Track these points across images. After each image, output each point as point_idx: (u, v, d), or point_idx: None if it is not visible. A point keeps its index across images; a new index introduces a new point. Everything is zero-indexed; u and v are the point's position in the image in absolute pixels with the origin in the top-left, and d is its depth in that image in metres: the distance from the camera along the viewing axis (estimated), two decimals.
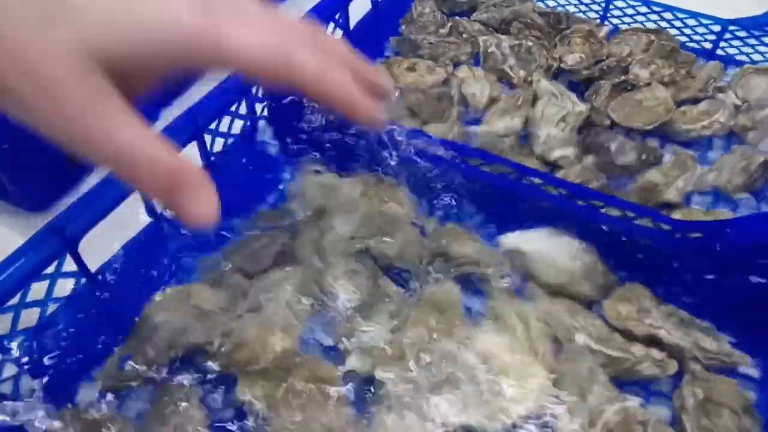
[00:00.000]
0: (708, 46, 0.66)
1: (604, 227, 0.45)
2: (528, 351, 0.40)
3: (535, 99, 0.59)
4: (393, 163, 0.51)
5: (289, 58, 0.27)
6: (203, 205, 0.25)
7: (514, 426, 0.37)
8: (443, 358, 0.39)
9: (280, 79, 0.27)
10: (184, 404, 0.38)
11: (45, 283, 0.37)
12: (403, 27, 0.70)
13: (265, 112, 0.53)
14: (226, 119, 0.48)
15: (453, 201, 0.51)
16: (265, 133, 0.54)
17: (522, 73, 0.62)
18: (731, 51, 0.66)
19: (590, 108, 0.57)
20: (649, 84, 0.60)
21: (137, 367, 0.39)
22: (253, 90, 0.50)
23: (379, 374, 0.39)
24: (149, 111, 0.64)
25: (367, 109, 0.30)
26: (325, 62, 0.28)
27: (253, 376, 0.39)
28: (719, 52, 0.66)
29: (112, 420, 0.37)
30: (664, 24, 0.67)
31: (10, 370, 0.36)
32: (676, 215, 0.50)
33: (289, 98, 0.52)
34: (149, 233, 0.44)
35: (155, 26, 0.24)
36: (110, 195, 0.39)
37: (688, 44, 0.67)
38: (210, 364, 0.40)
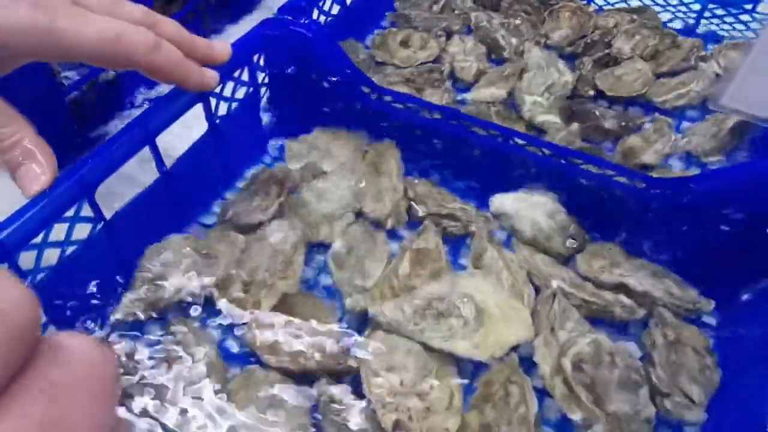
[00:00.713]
0: (690, 22, 0.69)
1: (583, 181, 0.48)
2: (511, 292, 0.44)
3: (522, 71, 0.62)
4: (384, 124, 0.55)
5: (121, 44, 0.33)
6: None
7: (496, 357, 0.40)
8: (432, 298, 0.43)
9: (117, 63, 0.34)
10: (191, 339, 0.41)
11: (64, 227, 0.40)
12: (398, 3, 0.73)
13: (266, 80, 0.56)
14: (230, 84, 0.51)
15: (442, 163, 0.54)
16: (265, 99, 0.57)
17: (514, 41, 0.65)
18: (711, 28, 0.69)
19: (576, 78, 0.61)
20: (630, 58, 0.63)
21: (145, 306, 0.43)
22: (255, 58, 0.53)
23: (372, 311, 0.42)
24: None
25: (196, 78, 0.38)
26: (153, 42, 0.34)
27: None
28: (699, 30, 0.69)
29: (123, 352, 0.40)
30: (647, 1, 0.70)
31: None
32: (653, 175, 0.53)
33: (288, 67, 0.55)
34: (159, 186, 0.47)
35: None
36: (125, 148, 0.42)
37: (669, 24, 0.70)
38: (217, 305, 0.43)
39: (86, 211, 0.41)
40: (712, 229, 0.45)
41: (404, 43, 0.66)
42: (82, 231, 0.42)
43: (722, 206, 0.43)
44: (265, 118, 0.59)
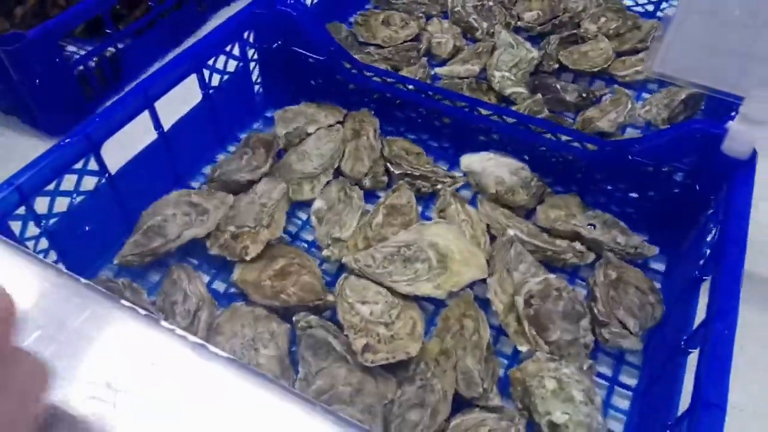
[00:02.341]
0: (651, 8, 0.74)
1: (541, 148, 0.53)
2: (471, 240, 0.49)
3: (493, 50, 0.67)
4: (364, 97, 0.60)
5: None
6: None
7: (453, 293, 0.45)
8: (401, 245, 0.48)
9: None
10: (187, 279, 0.47)
11: (74, 178, 0.45)
12: None
13: (256, 56, 0.61)
14: (222, 58, 0.56)
15: (417, 129, 0.60)
16: (254, 74, 0.62)
17: (485, 24, 0.70)
18: (671, 12, 0.74)
19: (542, 55, 0.66)
20: (595, 37, 0.68)
21: (144, 252, 0.48)
22: (245, 35, 0.58)
23: (346, 259, 0.47)
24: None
25: None
26: None
27: (245, 263, 0.48)
28: (660, 14, 0.74)
29: (129, 285, 0.45)
30: None
31: (42, 244, 0.45)
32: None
33: (275, 43, 0.60)
34: (158, 146, 0.52)
35: None
36: (129, 108, 0.47)
37: (633, 8, 0.75)
38: (209, 251, 0.49)
39: (93, 165, 0.46)
40: (654, 185, 0.50)
41: (386, 23, 0.71)
42: (89, 183, 0.47)
43: (660, 163, 0.49)
44: (256, 89, 0.64)
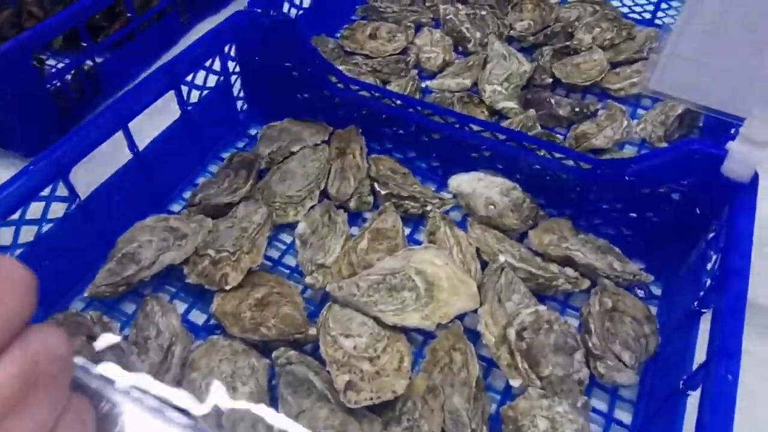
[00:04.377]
0: (647, 16, 0.72)
1: (534, 165, 0.51)
2: (460, 267, 0.47)
3: (485, 63, 0.65)
4: (351, 112, 0.58)
5: None
6: None
7: (441, 325, 0.43)
8: (387, 272, 0.45)
9: None
10: (161, 312, 0.44)
11: (41, 205, 0.43)
12: None
13: (238, 69, 0.59)
14: (202, 73, 0.54)
15: (405, 146, 0.57)
16: (236, 88, 0.60)
17: (478, 34, 0.68)
18: (668, 21, 0.72)
19: (534, 68, 0.64)
20: (590, 48, 0.66)
21: (118, 281, 0.46)
22: (226, 49, 0.56)
23: (329, 287, 0.45)
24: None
25: None
26: None
27: (225, 293, 0.46)
28: (657, 21, 0.72)
29: (100, 319, 0.43)
30: None
31: None
32: (605, 156, 0.56)
33: (258, 57, 0.58)
34: (133, 167, 0.50)
35: None
36: (100, 130, 0.45)
37: (629, 15, 0.73)
38: (187, 279, 0.46)
39: (62, 191, 0.44)
40: (651, 206, 0.48)
41: (373, 36, 0.69)
42: (59, 209, 0.44)
43: (658, 184, 0.47)
44: (239, 105, 0.61)
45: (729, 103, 0.40)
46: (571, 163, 0.50)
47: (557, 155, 0.50)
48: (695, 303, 0.40)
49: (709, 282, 0.40)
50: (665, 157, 0.45)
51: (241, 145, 0.60)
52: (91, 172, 0.47)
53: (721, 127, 0.51)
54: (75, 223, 0.46)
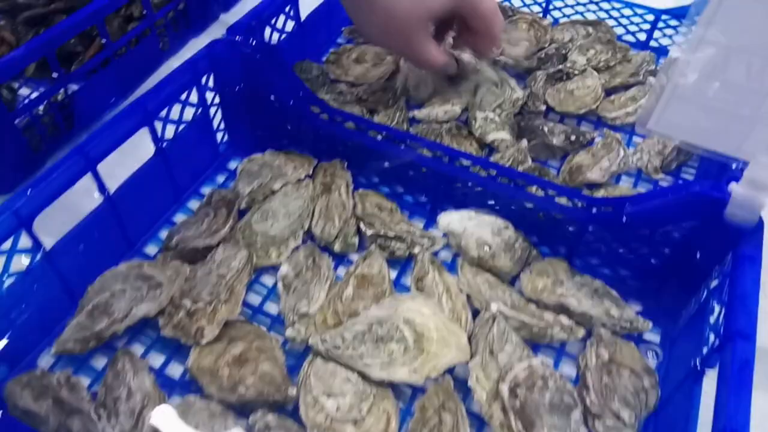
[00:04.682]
0: (642, 37, 0.70)
1: (528, 205, 0.49)
2: (450, 316, 0.44)
3: (476, 89, 0.62)
4: (335, 144, 0.55)
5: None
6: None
7: (431, 378, 0.41)
8: (373, 322, 0.43)
9: None
10: (133, 370, 0.42)
11: (2, 259, 0.40)
12: None
13: (217, 100, 0.56)
14: (177, 107, 0.52)
15: (392, 180, 0.55)
16: (216, 120, 0.57)
17: (466, 57, 0.65)
18: (664, 42, 0.70)
19: (527, 94, 0.61)
20: (584, 71, 0.64)
21: (88, 336, 0.43)
22: (203, 80, 0.53)
23: (312, 340, 0.42)
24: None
25: None
26: None
27: (201, 347, 0.43)
28: (653, 43, 0.70)
29: (67, 381, 0.40)
30: (602, 15, 0.71)
31: None
32: (600, 193, 0.54)
33: (238, 87, 0.55)
34: (103, 211, 0.47)
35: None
36: (64, 176, 0.42)
37: (624, 37, 0.71)
38: (162, 332, 0.44)
39: (25, 242, 0.41)
40: (650, 248, 0.46)
41: (358, 60, 0.66)
42: (22, 261, 0.42)
43: (656, 226, 0.44)
44: (219, 137, 0.59)
45: (731, 146, 0.38)
46: (565, 200, 0.47)
47: (551, 192, 0.48)
48: (698, 360, 0.38)
49: (712, 338, 0.38)
50: (664, 199, 0.43)
51: (221, 179, 0.58)
52: (58, 219, 0.44)
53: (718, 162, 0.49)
54: (40, 274, 0.43)
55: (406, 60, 0.61)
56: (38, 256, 0.42)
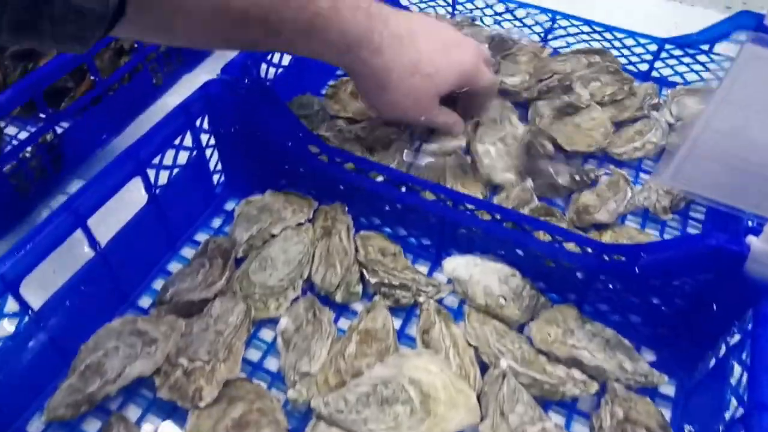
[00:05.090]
0: (644, 67, 0.69)
1: (537, 252, 0.47)
2: (458, 373, 0.43)
3: (477, 124, 0.60)
4: (335, 185, 0.53)
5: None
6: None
7: None
8: (377, 382, 0.41)
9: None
10: None
11: None
12: None
13: (212, 141, 0.55)
14: (171, 152, 0.50)
15: (394, 221, 0.53)
16: (212, 162, 0.56)
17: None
18: (666, 72, 0.68)
19: (531, 131, 0.60)
20: (589, 105, 0.62)
21: (81, 399, 0.41)
22: (198, 122, 0.52)
23: (314, 403, 0.41)
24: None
25: None
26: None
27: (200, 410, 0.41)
28: (654, 74, 0.69)
29: None
30: (605, 44, 0.69)
31: None
32: (607, 235, 0.53)
33: (234, 127, 0.54)
34: (94, 265, 0.45)
35: (459, 72, 0.52)
36: (52, 235, 0.40)
37: (626, 66, 0.69)
38: (158, 393, 0.42)
39: (11, 306, 0.39)
40: (663, 298, 0.44)
41: (355, 94, 0.64)
42: (9, 325, 0.40)
43: (670, 278, 0.43)
44: (215, 179, 0.57)
45: (752, 203, 0.37)
46: (575, 246, 0.46)
47: (559, 238, 0.46)
48: (721, 428, 0.36)
49: (734, 404, 0.36)
50: (679, 251, 0.41)
51: (217, 222, 0.56)
52: (46, 274, 0.42)
53: None
54: (29, 337, 0.41)
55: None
56: (26, 319, 0.40)
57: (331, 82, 0.67)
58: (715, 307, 0.42)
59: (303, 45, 0.45)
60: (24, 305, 0.40)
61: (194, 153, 0.53)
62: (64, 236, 0.41)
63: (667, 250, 0.42)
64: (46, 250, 0.40)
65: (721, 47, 0.65)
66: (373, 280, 0.48)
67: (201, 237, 0.54)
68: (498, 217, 0.47)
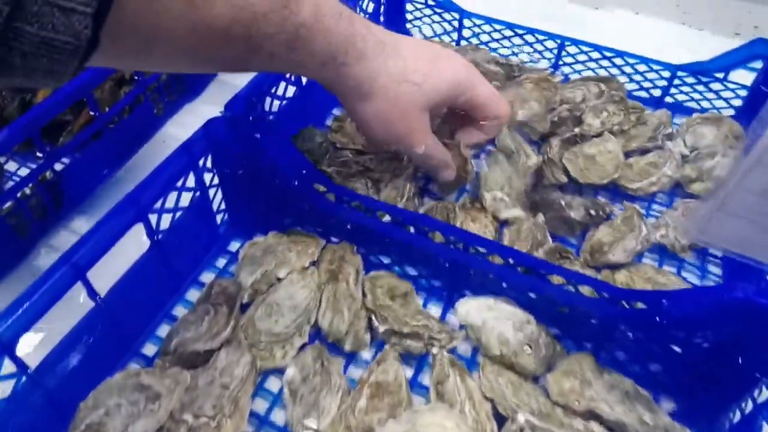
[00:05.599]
0: (657, 93, 0.67)
1: (552, 298, 0.46)
2: (474, 428, 0.41)
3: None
4: (342, 224, 0.52)
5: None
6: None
7: None
8: None
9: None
10: None
11: None
12: None
13: (216, 180, 0.53)
14: (173, 194, 0.48)
15: (403, 260, 0.51)
16: (216, 201, 0.54)
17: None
18: (680, 98, 0.67)
19: (543, 160, 0.58)
20: (600, 134, 0.61)
21: None
22: (201, 162, 0.50)
23: None
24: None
25: None
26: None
27: None
28: (668, 99, 0.67)
29: None
30: (614, 71, 0.68)
31: None
32: (622, 274, 0.51)
33: (237, 166, 0.52)
34: (94, 317, 0.43)
35: (451, 82, 0.49)
36: (50, 291, 0.39)
37: (636, 92, 0.68)
38: None
39: (8, 367, 0.38)
40: (685, 348, 0.43)
41: None
42: (5, 386, 0.38)
43: (694, 329, 0.41)
44: (219, 218, 0.55)
45: None
46: (591, 292, 0.44)
47: (572, 287, 0.44)
48: None
49: None
50: (704, 302, 0.40)
51: (222, 263, 0.54)
52: (43, 332, 0.41)
53: None
54: (27, 398, 0.39)
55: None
56: (23, 379, 0.39)
57: (336, 112, 0.65)
58: (740, 360, 0.40)
59: (285, 57, 0.41)
60: (21, 365, 0.38)
61: (197, 194, 0.51)
62: (62, 291, 0.39)
63: (691, 301, 0.41)
64: (44, 308, 0.38)
65: (735, 75, 0.64)
66: (382, 329, 0.46)
67: (206, 278, 0.53)
68: (511, 261, 0.46)
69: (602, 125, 0.62)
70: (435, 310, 0.51)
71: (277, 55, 0.40)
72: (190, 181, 0.50)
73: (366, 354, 0.47)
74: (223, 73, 0.73)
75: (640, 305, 0.43)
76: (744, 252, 0.35)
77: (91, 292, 0.43)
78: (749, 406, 0.39)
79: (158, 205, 0.47)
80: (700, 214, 0.35)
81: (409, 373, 0.46)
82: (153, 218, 0.46)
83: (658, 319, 0.42)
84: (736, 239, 0.35)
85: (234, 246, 0.55)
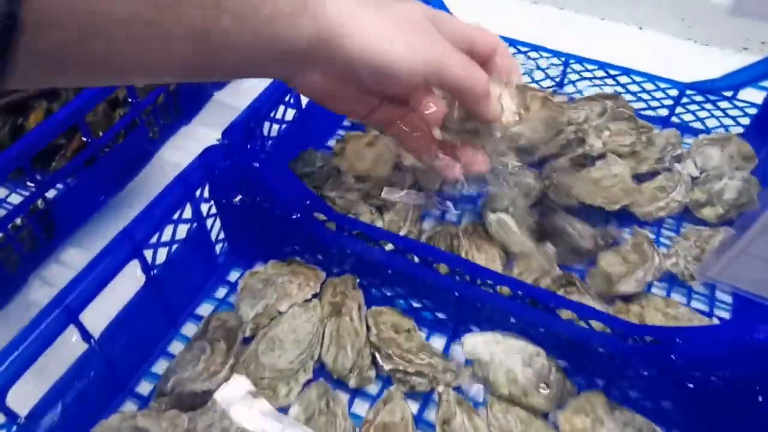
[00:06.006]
0: (664, 112, 0.66)
1: (563, 335, 0.44)
2: None
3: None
4: (343, 253, 0.50)
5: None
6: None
7: None
8: None
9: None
10: None
11: None
12: None
13: (213, 210, 0.52)
14: (169, 227, 0.47)
15: (407, 293, 0.50)
16: (214, 231, 0.52)
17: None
18: (687, 117, 0.66)
19: (546, 186, 0.57)
20: (603, 155, 0.59)
21: None
22: (197, 192, 0.48)
23: None
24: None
25: None
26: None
27: None
28: (674, 119, 0.66)
29: None
30: (620, 89, 0.66)
31: None
32: (633, 307, 0.50)
33: (239, 197, 0.50)
34: (88, 359, 0.42)
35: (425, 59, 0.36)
36: (41, 337, 0.37)
37: (643, 112, 0.67)
38: None
39: None
40: (699, 386, 0.41)
41: (370, 144, 0.61)
42: None
43: (709, 369, 0.40)
44: (218, 248, 0.54)
45: None
46: (603, 327, 0.43)
47: (583, 323, 0.43)
48: None
49: None
50: (720, 342, 0.38)
51: (221, 293, 0.53)
52: (34, 378, 0.39)
53: None
54: None
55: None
56: (14, 429, 0.37)
57: (339, 134, 0.64)
58: (760, 398, 0.39)
59: (252, 20, 0.30)
60: (11, 415, 0.37)
61: (194, 225, 0.50)
62: (54, 336, 0.38)
63: (707, 340, 0.39)
64: (34, 355, 0.37)
65: (744, 94, 0.63)
66: (387, 367, 0.45)
67: (204, 309, 0.51)
68: (519, 293, 0.44)
69: (604, 146, 0.60)
70: (440, 342, 0.49)
71: (240, 18, 0.30)
72: (187, 213, 0.48)
73: (371, 388, 0.46)
74: (220, 91, 0.72)
75: (653, 341, 0.41)
76: (760, 293, 0.34)
77: (85, 335, 0.41)
78: None
79: (154, 239, 0.45)
80: (722, 257, 0.34)
81: (414, 407, 0.45)
82: (148, 254, 0.45)
83: (673, 357, 0.40)
84: (754, 281, 0.34)
85: (233, 275, 0.54)
